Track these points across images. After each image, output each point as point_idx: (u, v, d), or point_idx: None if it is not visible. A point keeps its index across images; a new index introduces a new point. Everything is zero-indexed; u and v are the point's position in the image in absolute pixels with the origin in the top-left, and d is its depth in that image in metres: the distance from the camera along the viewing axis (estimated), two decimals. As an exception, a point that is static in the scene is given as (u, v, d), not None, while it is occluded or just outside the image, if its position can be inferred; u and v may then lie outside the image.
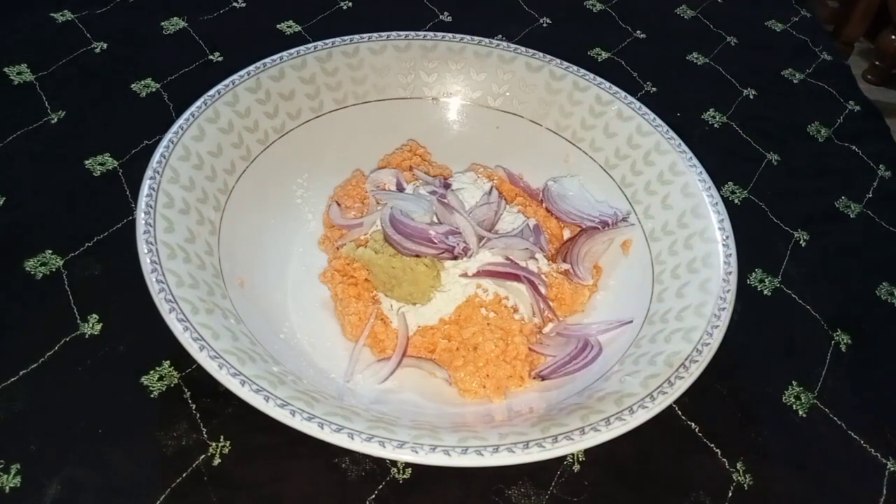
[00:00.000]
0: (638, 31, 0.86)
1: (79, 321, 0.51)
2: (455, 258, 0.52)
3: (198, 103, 0.54)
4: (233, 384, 0.39)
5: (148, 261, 0.44)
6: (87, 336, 0.51)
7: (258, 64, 0.58)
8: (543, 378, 0.51)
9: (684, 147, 0.57)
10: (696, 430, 0.51)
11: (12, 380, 0.48)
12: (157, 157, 0.50)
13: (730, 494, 0.48)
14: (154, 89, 0.69)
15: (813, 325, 0.59)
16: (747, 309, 0.58)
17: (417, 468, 0.47)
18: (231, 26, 0.77)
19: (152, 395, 0.48)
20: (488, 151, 0.64)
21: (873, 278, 0.64)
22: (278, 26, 0.78)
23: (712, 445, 0.50)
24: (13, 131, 0.63)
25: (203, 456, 0.46)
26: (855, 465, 0.51)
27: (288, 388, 0.40)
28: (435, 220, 0.54)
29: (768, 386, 0.55)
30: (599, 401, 0.43)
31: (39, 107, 0.65)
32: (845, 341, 0.58)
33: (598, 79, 0.62)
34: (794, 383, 0.55)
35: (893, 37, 1.56)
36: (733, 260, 0.50)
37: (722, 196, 0.59)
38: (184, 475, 0.45)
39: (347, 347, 0.52)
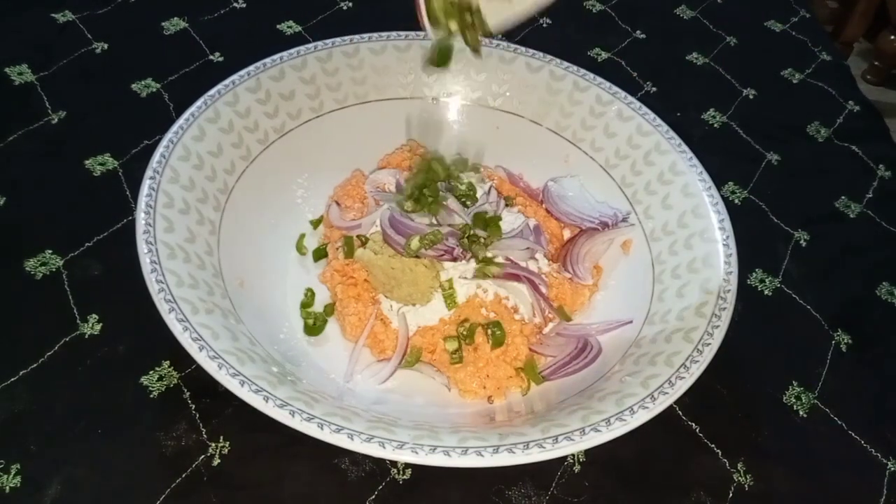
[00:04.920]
0: (638, 31, 0.86)
1: (79, 321, 0.51)
2: (454, 260, 0.52)
3: (198, 103, 0.54)
4: (232, 384, 0.39)
5: (148, 261, 0.44)
6: (87, 336, 0.51)
7: (258, 64, 0.58)
8: (544, 378, 0.51)
9: (684, 147, 0.57)
10: (697, 430, 0.51)
11: (12, 380, 0.48)
12: (157, 156, 0.50)
13: (730, 495, 0.48)
14: (154, 89, 0.69)
15: (813, 325, 0.59)
16: (748, 309, 0.58)
17: (417, 469, 0.47)
18: (231, 26, 0.77)
19: (152, 396, 0.48)
20: (488, 151, 0.64)
21: (873, 278, 0.64)
22: (278, 26, 0.78)
23: (713, 445, 0.50)
24: (13, 131, 0.63)
25: (203, 456, 0.46)
26: (855, 465, 0.51)
27: (287, 388, 0.40)
28: (434, 221, 0.54)
29: (769, 386, 0.55)
30: (600, 401, 0.43)
31: (39, 107, 0.65)
32: (845, 341, 0.58)
33: (599, 79, 0.62)
34: (795, 383, 0.55)
35: (893, 37, 1.56)
36: (734, 260, 0.50)
37: (722, 196, 0.59)
38: (184, 475, 0.45)
39: (347, 348, 0.52)
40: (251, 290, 0.51)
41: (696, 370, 0.43)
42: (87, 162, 0.62)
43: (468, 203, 0.56)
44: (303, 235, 0.59)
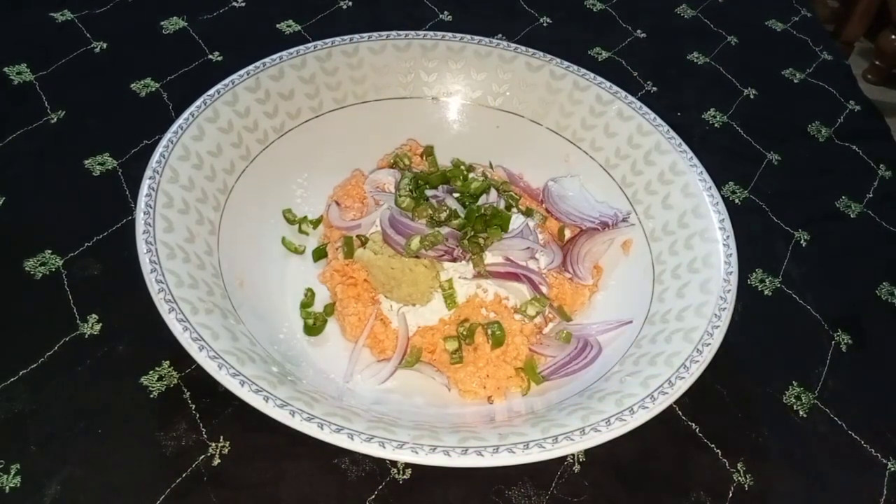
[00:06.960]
0: (638, 31, 0.86)
1: (79, 321, 0.51)
2: (454, 260, 0.52)
3: (197, 103, 0.54)
4: (232, 384, 0.39)
5: (147, 261, 0.44)
6: (86, 336, 0.51)
7: (258, 63, 0.58)
8: (544, 378, 0.51)
9: (685, 147, 0.57)
10: (697, 430, 0.51)
11: (12, 380, 0.48)
12: (156, 156, 0.50)
13: (730, 495, 0.48)
14: (154, 89, 0.69)
15: (813, 325, 0.59)
16: (748, 309, 0.58)
17: (417, 468, 0.47)
18: (231, 26, 0.77)
19: (152, 396, 0.48)
20: (488, 151, 0.64)
21: (873, 278, 0.64)
22: (278, 26, 0.78)
23: (713, 445, 0.50)
24: (13, 131, 0.63)
25: (203, 456, 0.46)
26: (855, 465, 0.51)
27: (287, 388, 0.40)
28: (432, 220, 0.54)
29: (769, 386, 0.55)
30: (600, 401, 0.43)
31: (39, 107, 0.65)
32: (845, 341, 0.58)
33: (599, 78, 0.62)
34: (795, 383, 0.55)
35: (893, 36, 1.56)
36: (734, 260, 0.50)
37: (722, 196, 0.59)
38: (184, 475, 0.45)
39: (347, 348, 0.52)
40: (251, 290, 0.51)
41: (696, 370, 0.43)
42: (86, 162, 0.62)
43: (468, 203, 0.55)
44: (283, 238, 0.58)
